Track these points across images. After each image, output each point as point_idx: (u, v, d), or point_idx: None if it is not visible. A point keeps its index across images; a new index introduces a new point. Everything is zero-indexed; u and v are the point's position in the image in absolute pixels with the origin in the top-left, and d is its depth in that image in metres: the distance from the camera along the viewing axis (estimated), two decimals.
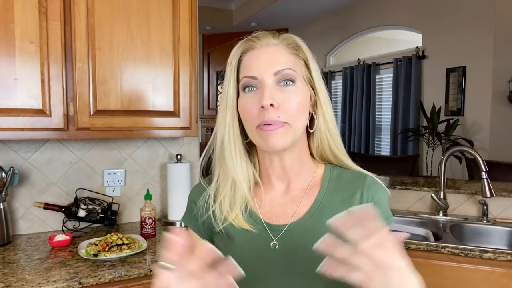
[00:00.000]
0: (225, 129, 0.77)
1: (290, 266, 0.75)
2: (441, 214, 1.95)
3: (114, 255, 1.39)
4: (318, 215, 0.78)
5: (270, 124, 0.71)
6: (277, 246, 0.76)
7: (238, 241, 0.78)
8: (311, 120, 0.79)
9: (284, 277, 0.74)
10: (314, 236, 0.76)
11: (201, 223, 0.83)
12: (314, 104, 0.79)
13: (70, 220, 1.71)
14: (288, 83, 0.73)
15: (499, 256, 1.47)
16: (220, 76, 6.39)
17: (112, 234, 1.47)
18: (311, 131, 0.79)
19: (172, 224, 1.84)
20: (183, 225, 1.82)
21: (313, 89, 0.78)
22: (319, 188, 0.81)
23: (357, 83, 5.12)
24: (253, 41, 0.76)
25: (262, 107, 0.70)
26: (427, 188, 2.06)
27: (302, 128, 0.77)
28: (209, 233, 0.83)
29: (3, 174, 1.56)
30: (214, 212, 0.79)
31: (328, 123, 0.79)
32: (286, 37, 0.78)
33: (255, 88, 0.74)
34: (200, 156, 2.07)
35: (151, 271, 1.33)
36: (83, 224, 1.74)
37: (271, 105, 0.70)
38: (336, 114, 5.56)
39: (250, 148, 0.82)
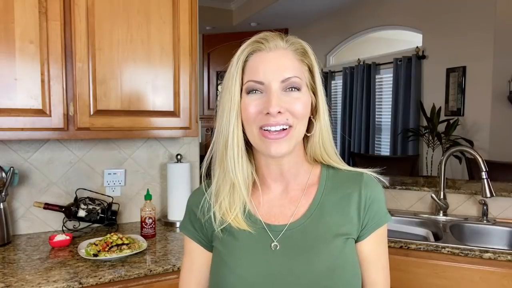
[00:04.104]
0: (230, 131, 0.75)
1: (292, 266, 0.75)
2: (441, 214, 1.95)
3: (114, 255, 1.39)
4: (317, 215, 0.78)
5: (274, 132, 0.72)
6: (278, 247, 0.76)
7: (238, 243, 0.78)
8: (309, 124, 0.79)
9: (286, 278, 0.74)
10: (314, 236, 0.76)
11: (200, 230, 0.84)
12: (314, 109, 0.79)
13: (70, 220, 1.71)
14: (293, 89, 0.74)
15: (499, 256, 1.47)
16: (220, 76, 6.38)
17: (112, 234, 1.47)
18: (308, 134, 0.80)
19: (172, 224, 1.84)
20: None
21: (314, 94, 0.79)
22: (316, 187, 0.81)
23: (357, 83, 5.11)
24: (261, 43, 0.75)
25: (268, 113, 0.71)
26: (427, 188, 2.06)
27: (303, 132, 0.77)
28: (206, 239, 0.84)
29: (3, 174, 1.56)
30: (214, 213, 0.79)
31: (325, 128, 0.80)
32: (294, 41, 0.77)
33: (260, 92, 0.74)
34: (200, 156, 2.08)
35: (151, 271, 1.33)
36: (83, 224, 1.74)
37: (279, 112, 0.71)
38: (336, 114, 5.56)
39: (248, 147, 0.81)
